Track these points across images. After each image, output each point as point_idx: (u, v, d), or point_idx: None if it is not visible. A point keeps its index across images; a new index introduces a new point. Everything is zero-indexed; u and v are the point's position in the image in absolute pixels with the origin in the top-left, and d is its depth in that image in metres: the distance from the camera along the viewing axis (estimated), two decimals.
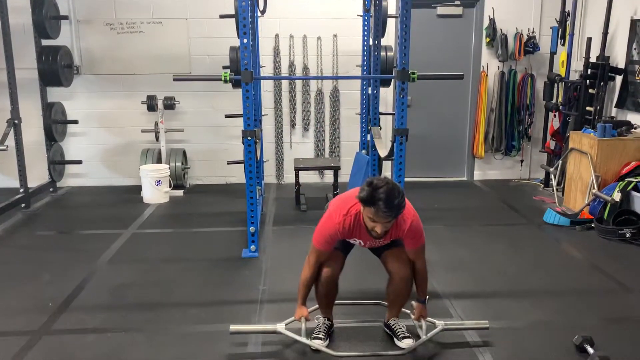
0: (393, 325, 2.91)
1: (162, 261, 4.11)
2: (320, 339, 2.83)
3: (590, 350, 2.71)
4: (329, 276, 2.81)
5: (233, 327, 2.87)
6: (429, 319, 2.91)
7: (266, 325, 2.94)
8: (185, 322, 3.16)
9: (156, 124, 5.95)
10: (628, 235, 4.36)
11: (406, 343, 2.81)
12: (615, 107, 5.53)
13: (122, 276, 3.79)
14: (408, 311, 3.03)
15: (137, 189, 5.80)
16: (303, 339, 2.79)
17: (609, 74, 5.43)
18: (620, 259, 4.10)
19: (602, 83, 5.41)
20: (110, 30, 5.97)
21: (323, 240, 2.72)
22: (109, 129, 6.19)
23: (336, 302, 3.01)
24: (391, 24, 5.69)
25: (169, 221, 5.11)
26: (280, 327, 2.86)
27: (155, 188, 5.61)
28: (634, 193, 4.56)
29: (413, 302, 2.93)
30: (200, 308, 3.32)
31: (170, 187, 5.77)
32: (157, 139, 5.99)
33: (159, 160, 5.96)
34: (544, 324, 3.08)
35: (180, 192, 5.93)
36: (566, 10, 5.90)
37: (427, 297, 2.91)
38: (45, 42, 5.68)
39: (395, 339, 2.86)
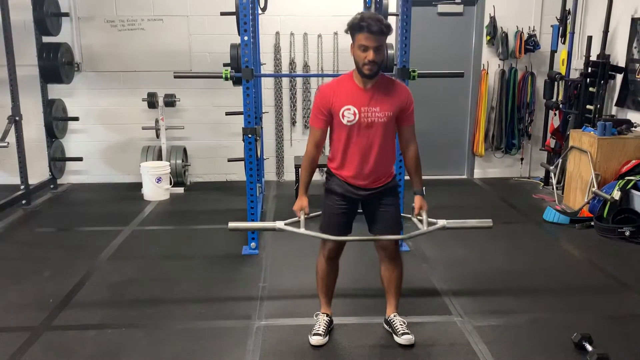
0: (392, 321, 2.91)
1: (162, 258, 4.12)
2: (319, 335, 2.84)
3: (589, 347, 2.71)
4: (329, 258, 2.83)
5: (232, 224, 2.82)
6: (431, 219, 2.81)
7: (266, 223, 2.91)
8: (185, 318, 3.16)
9: (157, 121, 5.95)
10: (627, 233, 4.36)
11: (406, 339, 2.81)
12: (615, 105, 5.53)
13: (122, 273, 3.80)
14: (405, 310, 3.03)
15: (138, 186, 5.81)
16: (302, 231, 2.70)
17: (609, 72, 5.43)
18: (620, 257, 4.11)
19: (602, 81, 5.42)
20: (110, 27, 5.98)
21: (315, 113, 2.69)
22: (110, 126, 6.20)
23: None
24: (391, 22, 5.69)
25: (169, 218, 5.12)
26: (280, 224, 2.78)
27: (155, 185, 5.62)
28: (634, 191, 4.56)
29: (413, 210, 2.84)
30: (200, 304, 3.33)
31: (170, 184, 5.78)
32: (157, 136, 5.99)
33: (159, 158, 5.97)
34: (543, 322, 3.09)
35: (180, 190, 5.94)
36: (567, 8, 5.90)
37: (424, 187, 2.82)
38: (45, 39, 5.69)
39: (394, 336, 2.87)
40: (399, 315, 2.95)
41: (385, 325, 2.98)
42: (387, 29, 2.51)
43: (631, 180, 4.61)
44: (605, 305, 3.34)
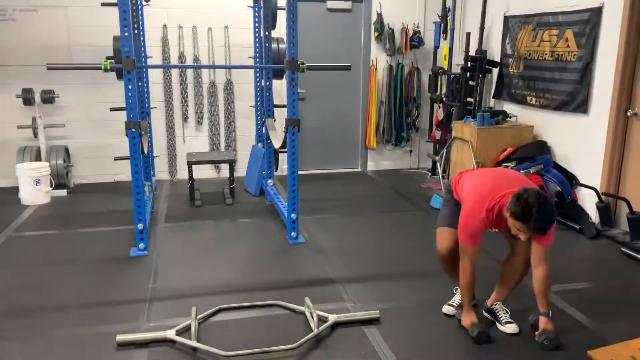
0: (496, 310, 3.00)
1: (42, 264, 3.82)
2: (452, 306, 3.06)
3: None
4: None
5: (120, 337, 2.74)
6: (320, 312, 2.94)
7: (155, 333, 2.80)
8: (66, 325, 2.95)
9: (34, 119, 5.52)
10: None
11: (510, 328, 2.90)
12: (492, 97, 5.92)
13: None
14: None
15: (14, 190, 5.36)
16: (194, 343, 2.70)
17: (487, 66, 5.79)
18: (498, 239, 4.37)
19: (480, 75, 5.77)
20: None
21: (472, 237, 2.74)
22: None
23: (230, 305, 3.02)
24: (282, 16, 5.68)
25: (50, 223, 4.76)
26: (171, 334, 2.76)
27: (34, 188, 5.21)
28: None
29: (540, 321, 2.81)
30: (83, 310, 3.13)
31: (51, 186, 5.39)
32: (35, 135, 5.56)
33: (38, 158, 5.54)
34: (431, 302, 3.22)
35: (63, 192, 5.55)
36: (447, 6, 6.20)
37: (550, 311, 2.80)
38: None
39: (497, 324, 2.95)
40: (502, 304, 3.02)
41: (487, 314, 3.06)
42: (550, 227, 2.56)
43: (508, 166, 4.94)
44: (487, 283, 3.53)
